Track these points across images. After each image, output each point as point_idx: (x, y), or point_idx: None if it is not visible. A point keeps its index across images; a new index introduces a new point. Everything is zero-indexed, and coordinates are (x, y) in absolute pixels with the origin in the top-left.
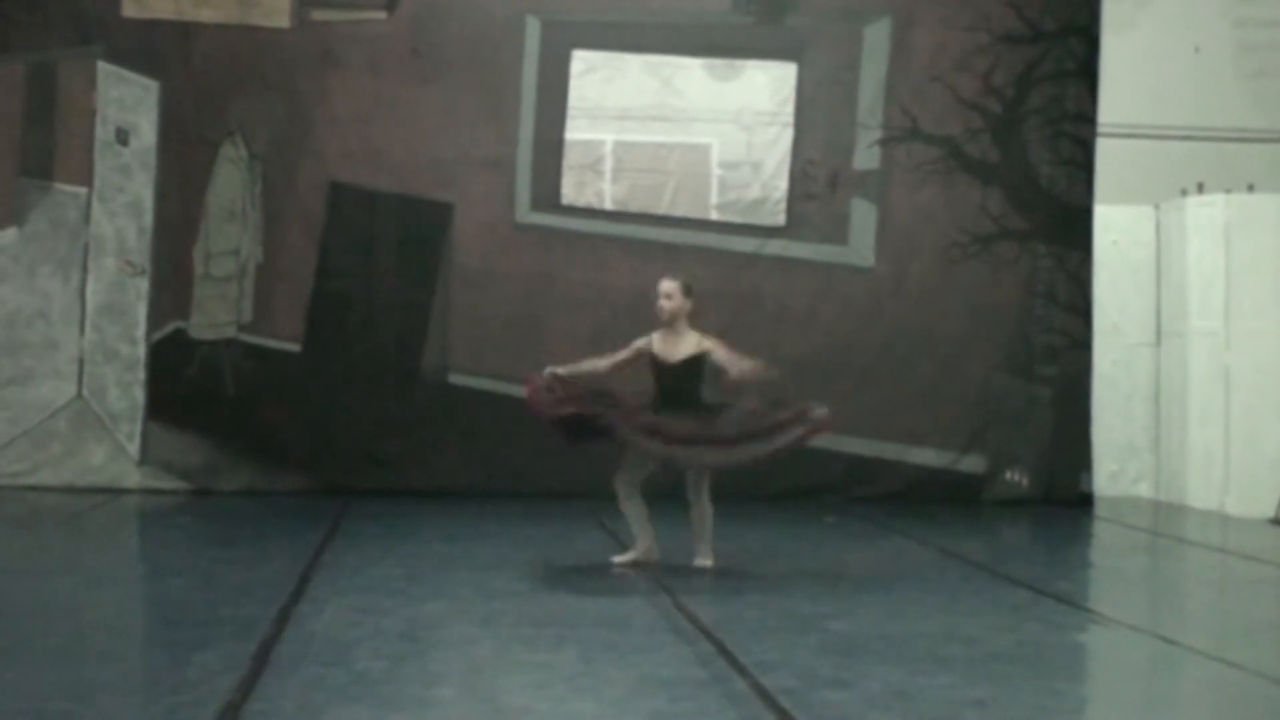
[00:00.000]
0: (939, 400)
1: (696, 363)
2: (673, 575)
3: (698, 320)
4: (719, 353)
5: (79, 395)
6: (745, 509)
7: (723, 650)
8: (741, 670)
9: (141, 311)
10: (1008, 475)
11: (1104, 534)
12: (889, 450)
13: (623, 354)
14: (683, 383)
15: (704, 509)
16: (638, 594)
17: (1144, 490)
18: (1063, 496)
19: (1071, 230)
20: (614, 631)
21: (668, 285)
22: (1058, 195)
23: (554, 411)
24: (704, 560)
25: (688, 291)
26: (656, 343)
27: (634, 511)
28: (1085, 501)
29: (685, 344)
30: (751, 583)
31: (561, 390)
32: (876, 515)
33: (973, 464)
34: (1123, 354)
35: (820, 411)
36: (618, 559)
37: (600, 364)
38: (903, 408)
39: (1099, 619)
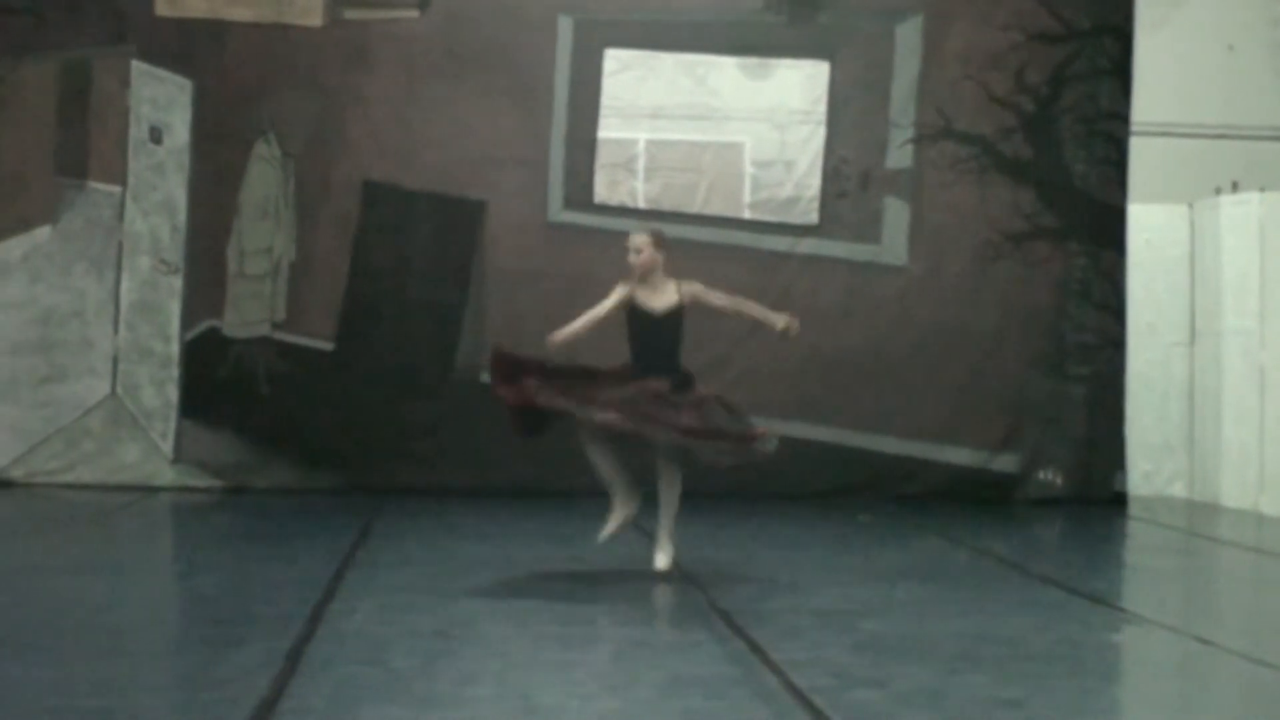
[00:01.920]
0: (972, 399)
1: (679, 314)
2: (705, 574)
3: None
4: (708, 295)
5: (113, 393)
6: (778, 507)
7: (755, 648)
8: (774, 669)
9: (175, 310)
10: (1041, 474)
11: (1138, 533)
12: (922, 449)
13: (610, 301)
14: (665, 336)
15: (671, 484)
16: (670, 592)
17: (1178, 490)
18: (1097, 496)
19: (1105, 229)
20: (646, 630)
21: (638, 239)
22: (1091, 194)
23: (524, 400)
24: (663, 559)
25: (659, 243)
26: (639, 294)
27: (601, 459)
28: (1119, 501)
29: (666, 295)
30: (784, 581)
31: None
32: (910, 514)
33: (1006, 463)
34: (1157, 353)
35: (767, 447)
36: (602, 534)
37: (593, 316)
38: (936, 407)
39: (1133, 618)
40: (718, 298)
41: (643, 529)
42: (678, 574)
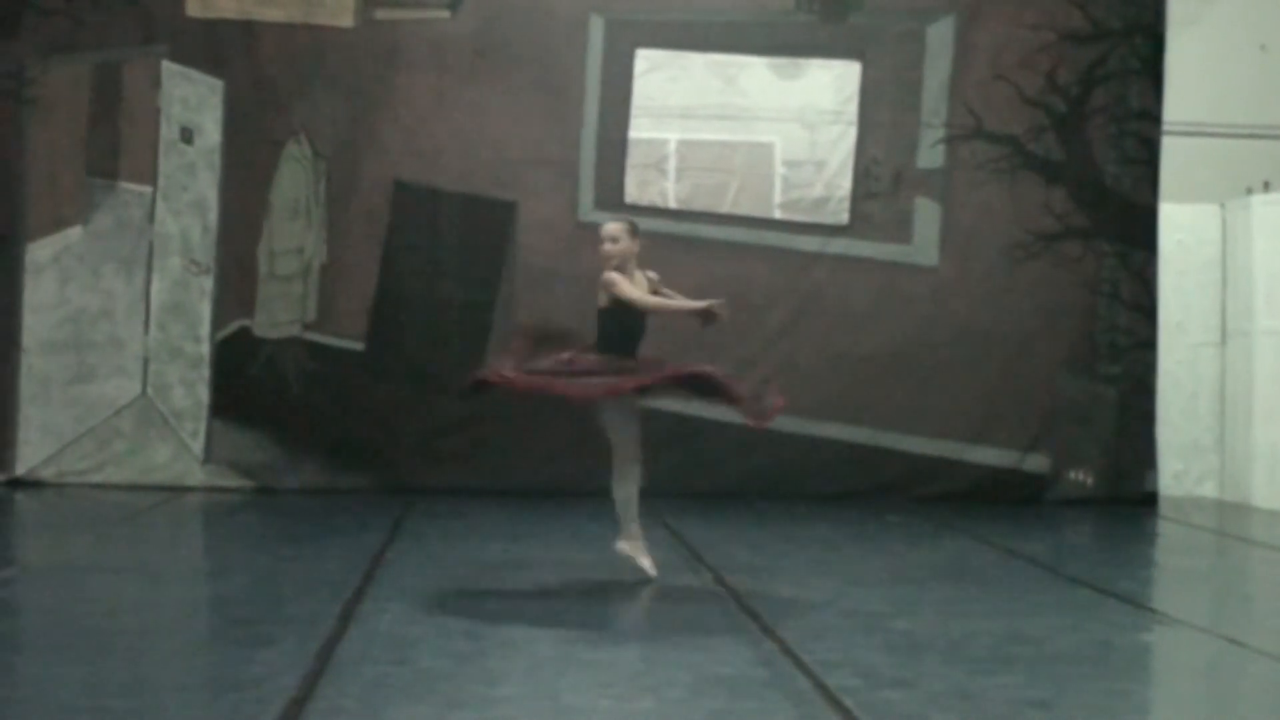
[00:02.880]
0: (1003, 399)
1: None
2: (734, 574)
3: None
4: (664, 289)
5: (143, 393)
6: (807, 507)
7: (785, 649)
8: (804, 669)
9: (206, 310)
10: (1072, 475)
11: (1168, 534)
12: (952, 449)
13: (631, 285)
14: (640, 326)
15: (628, 475)
16: (699, 593)
17: (1209, 490)
18: (1127, 496)
19: (1136, 229)
20: (675, 630)
21: (612, 228)
22: (1123, 194)
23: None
24: (647, 563)
25: (633, 232)
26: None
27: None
28: (1150, 501)
29: (640, 285)
30: (814, 581)
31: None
32: (940, 514)
33: (1037, 463)
34: (1187, 353)
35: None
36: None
37: (649, 301)
38: (966, 407)
39: (1163, 619)
40: (667, 291)
41: (672, 529)
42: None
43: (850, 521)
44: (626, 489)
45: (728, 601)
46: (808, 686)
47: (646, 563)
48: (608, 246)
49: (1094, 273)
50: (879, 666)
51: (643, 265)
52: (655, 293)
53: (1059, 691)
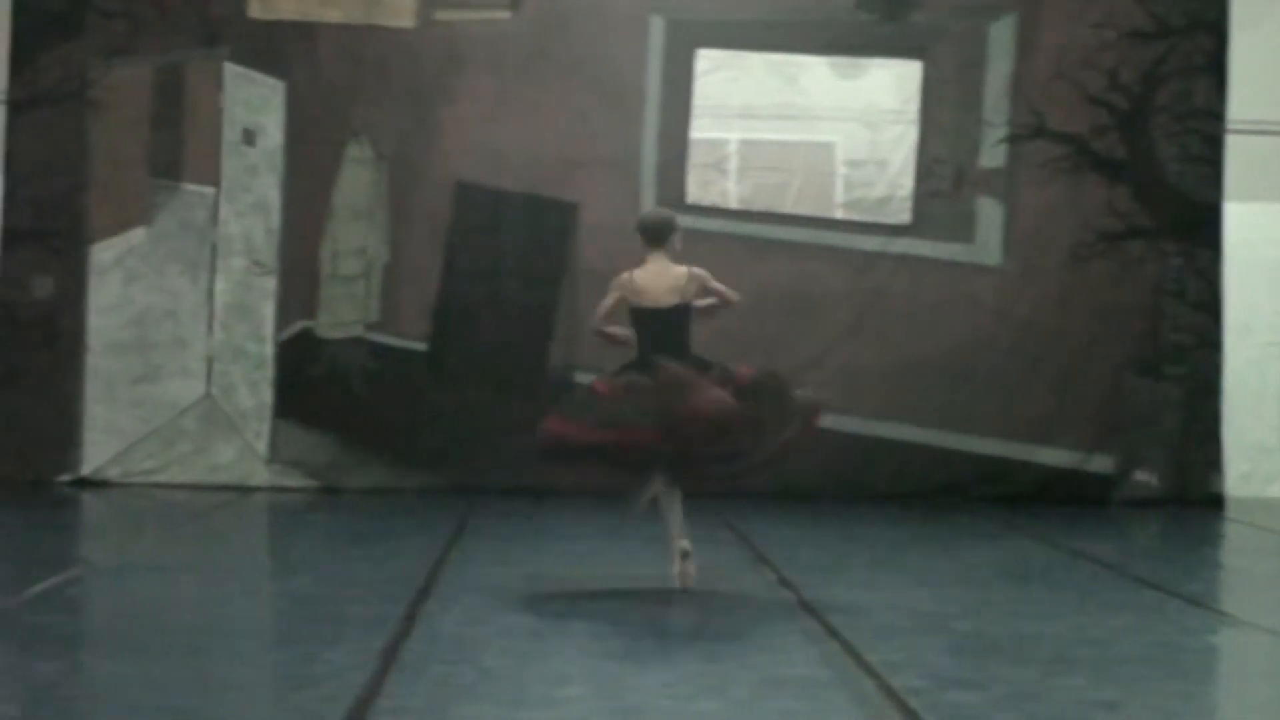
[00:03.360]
0: (1067, 400)
1: (687, 305)
2: (798, 574)
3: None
4: (714, 284)
5: (208, 394)
6: (871, 508)
7: (849, 650)
8: (868, 670)
9: (269, 311)
10: (1137, 476)
11: (1235, 535)
12: (1016, 450)
13: (606, 300)
14: (678, 327)
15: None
16: (763, 594)
17: (1276, 491)
18: (1193, 497)
19: (1200, 228)
20: (739, 630)
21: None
22: (1186, 193)
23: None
24: (685, 574)
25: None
26: (639, 279)
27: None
28: (1216, 502)
29: (673, 279)
30: (878, 582)
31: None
32: (1004, 515)
33: (1101, 464)
34: (1253, 353)
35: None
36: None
37: (597, 323)
38: (1030, 407)
39: (1230, 621)
40: (720, 286)
41: (736, 530)
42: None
43: (914, 521)
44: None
45: (792, 602)
46: (872, 688)
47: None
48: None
49: (1158, 272)
50: (944, 668)
51: (690, 261)
52: (697, 288)
53: (1125, 693)
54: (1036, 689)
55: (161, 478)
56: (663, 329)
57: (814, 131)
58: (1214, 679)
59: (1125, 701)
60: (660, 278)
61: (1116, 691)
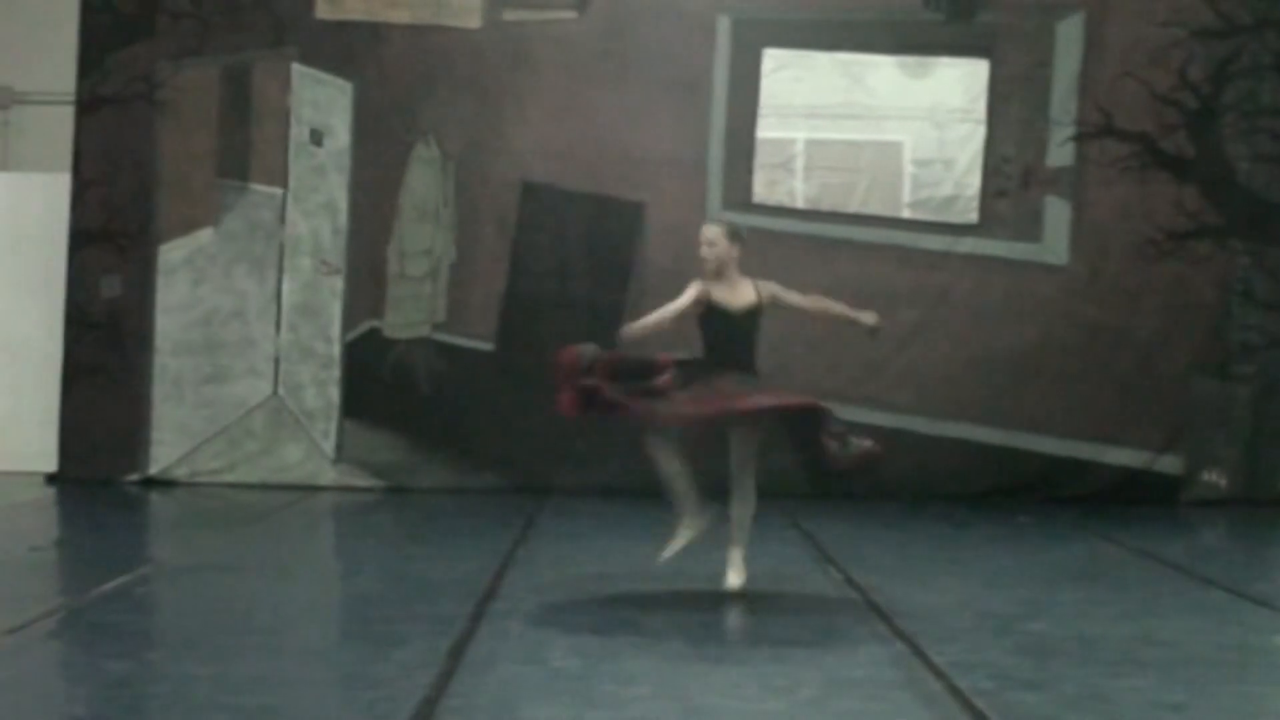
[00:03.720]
0: (1135, 400)
1: (757, 312)
2: (865, 575)
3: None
4: (786, 294)
5: (275, 393)
6: (939, 508)
7: (917, 651)
8: (936, 671)
9: (336, 310)
10: (1205, 476)
11: None
12: (1085, 450)
13: (685, 299)
14: (743, 334)
15: (746, 496)
16: (830, 594)
17: None
18: (1262, 497)
19: (1269, 226)
20: (805, 631)
21: (710, 231)
22: (1255, 191)
23: (580, 384)
24: (735, 577)
25: (733, 236)
26: (715, 291)
27: (673, 471)
28: None
29: (743, 292)
30: (945, 583)
31: (599, 374)
32: (1071, 515)
33: (1170, 464)
34: None
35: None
36: (665, 554)
37: (666, 314)
38: (1098, 407)
39: None
40: (797, 297)
41: (803, 529)
42: (748, 594)
43: (982, 522)
44: (737, 509)
45: (859, 603)
46: (939, 689)
47: (734, 577)
48: (704, 250)
49: (1226, 271)
50: (1011, 668)
51: (753, 273)
52: (766, 302)
53: (1194, 694)
54: (1104, 690)
55: (229, 477)
56: (733, 335)
57: (881, 131)
58: None
59: (1193, 703)
60: (733, 289)
61: (1184, 693)
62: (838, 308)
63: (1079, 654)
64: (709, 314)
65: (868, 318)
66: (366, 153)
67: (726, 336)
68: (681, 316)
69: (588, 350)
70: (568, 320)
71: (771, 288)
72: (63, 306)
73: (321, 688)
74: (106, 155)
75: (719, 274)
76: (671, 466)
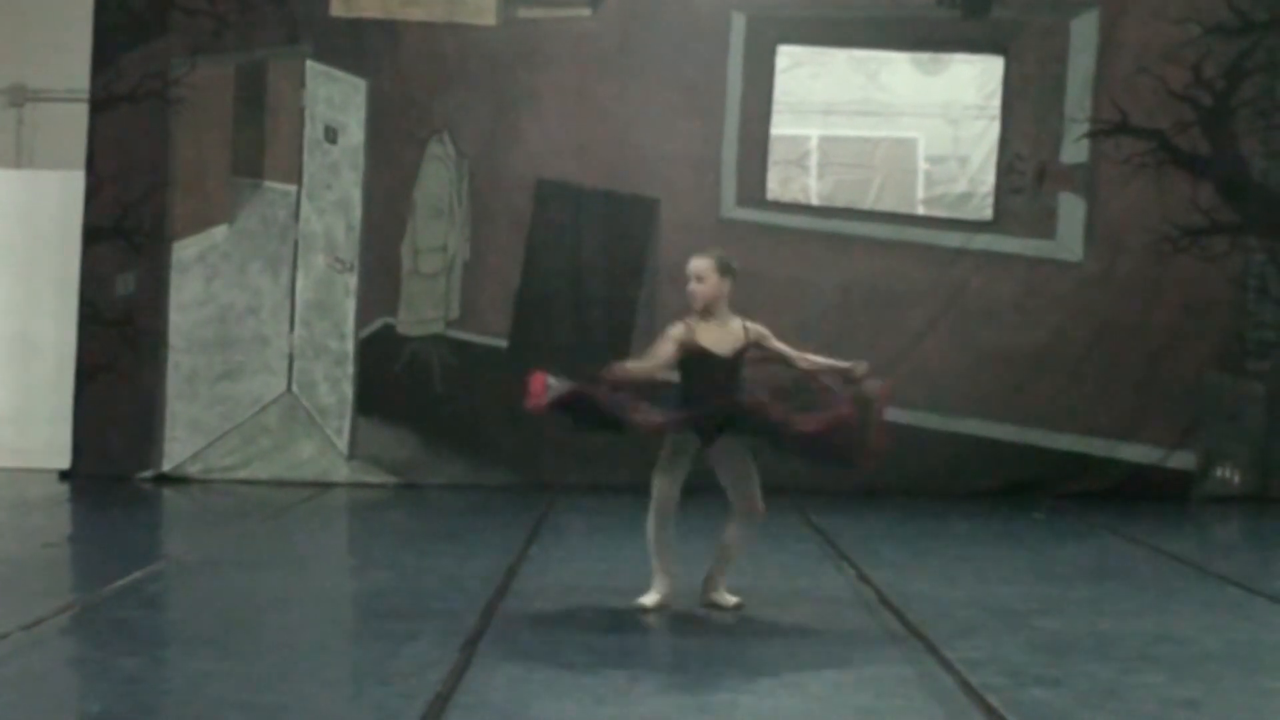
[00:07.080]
0: (1148, 396)
1: (743, 355)
2: (879, 570)
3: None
4: (776, 343)
5: (289, 390)
6: (953, 505)
7: (930, 647)
8: (949, 667)
9: (350, 307)
10: (1219, 472)
11: None
12: (1098, 446)
13: (669, 347)
14: (726, 379)
15: (749, 515)
16: (844, 590)
17: None
18: (1275, 494)
19: None
20: (819, 627)
21: (699, 264)
22: (1270, 188)
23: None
24: (728, 597)
25: (724, 270)
26: (699, 333)
27: (663, 540)
28: None
29: (731, 332)
30: (959, 579)
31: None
32: (1085, 511)
33: (1183, 460)
34: None
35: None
36: (643, 601)
37: (650, 366)
38: (1112, 403)
39: None
40: (784, 348)
41: (815, 526)
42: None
43: (996, 518)
44: (730, 531)
45: (872, 599)
46: (953, 685)
47: (730, 599)
48: (693, 286)
49: (1241, 268)
50: (1025, 665)
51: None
52: (751, 345)
53: (1207, 691)
54: (1117, 686)
55: (242, 474)
56: (715, 381)
57: (895, 128)
58: None
59: (1206, 699)
60: (721, 328)
61: (1197, 689)
62: (825, 362)
63: (1092, 650)
64: (691, 358)
65: (859, 368)
66: (380, 150)
67: (709, 383)
68: (666, 366)
69: (556, 384)
70: (582, 317)
71: (760, 331)
72: (77, 303)
73: (334, 684)
74: (120, 152)
75: (708, 311)
76: (662, 536)
